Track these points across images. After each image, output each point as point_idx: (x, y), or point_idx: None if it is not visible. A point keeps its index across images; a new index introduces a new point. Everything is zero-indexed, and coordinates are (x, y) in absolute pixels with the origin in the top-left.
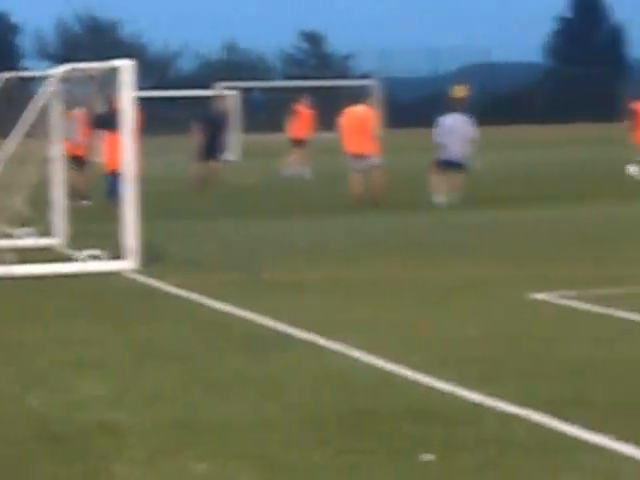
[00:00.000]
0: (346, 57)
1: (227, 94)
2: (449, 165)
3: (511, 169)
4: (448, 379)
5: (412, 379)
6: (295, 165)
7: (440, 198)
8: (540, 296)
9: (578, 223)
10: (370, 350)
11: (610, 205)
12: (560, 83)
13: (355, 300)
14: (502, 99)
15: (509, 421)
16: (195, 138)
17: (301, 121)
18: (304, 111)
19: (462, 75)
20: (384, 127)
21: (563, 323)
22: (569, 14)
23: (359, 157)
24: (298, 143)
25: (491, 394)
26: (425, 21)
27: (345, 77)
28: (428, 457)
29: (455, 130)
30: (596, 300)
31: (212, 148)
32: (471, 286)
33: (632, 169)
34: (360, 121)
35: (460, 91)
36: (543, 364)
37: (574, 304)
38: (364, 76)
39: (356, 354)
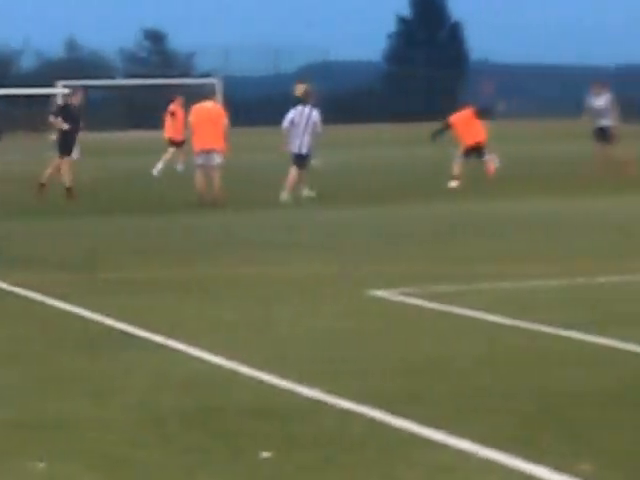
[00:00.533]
0: (189, 55)
1: (79, 91)
2: (300, 159)
3: (350, 167)
4: (288, 377)
5: (252, 377)
6: (170, 164)
7: (285, 195)
8: (380, 293)
9: (417, 221)
10: (210, 349)
11: (446, 203)
12: (399, 82)
13: (194, 299)
14: (340, 98)
15: (347, 418)
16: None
17: (177, 121)
18: (179, 111)
19: (302, 74)
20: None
21: (402, 320)
22: (409, 14)
23: (209, 153)
24: (175, 143)
25: (330, 391)
26: (267, 19)
27: (188, 75)
28: (267, 454)
29: (302, 124)
30: (435, 297)
31: (67, 145)
32: (311, 283)
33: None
34: (210, 117)
35: (301, 89)
36: (381, 361)
37: (413, 301)
38: (206, 74)
39: (196, 353)
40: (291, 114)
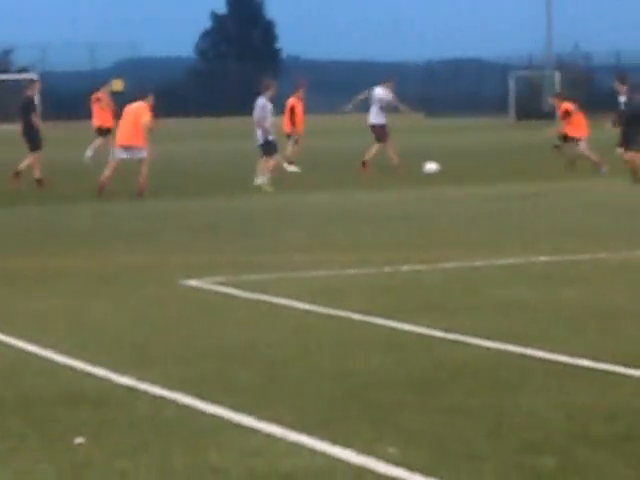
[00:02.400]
0: (6, 52)
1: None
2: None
3: (165, 161)
4: (100, 364)
5: (66, 365)
6: (99, 151)
7: None
8: (193, 283)
9: (233, 212)
10: (22, 337)
11: (261, 195)
12: (211, 78)
13: (8, 290)
14: (154, 93)
15: (159, 404)
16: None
17: (104, 109)
18: (105, 98)
19: (117, 69)
20: (45, 120)
21: (214, 308)
22: (224, 12)
23: (128, 149)
24: (102, 131)
25: (142, 378)
26: (84, 17)
27: (6, 71)
28: (81, 440)
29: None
30: (247, 286)
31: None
32: (124, 273)
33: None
34: (132, 114)
35: (118, 84)
36: (193, 348)
37: (226, 290)
38: (23, 70)
39: (8, 341)
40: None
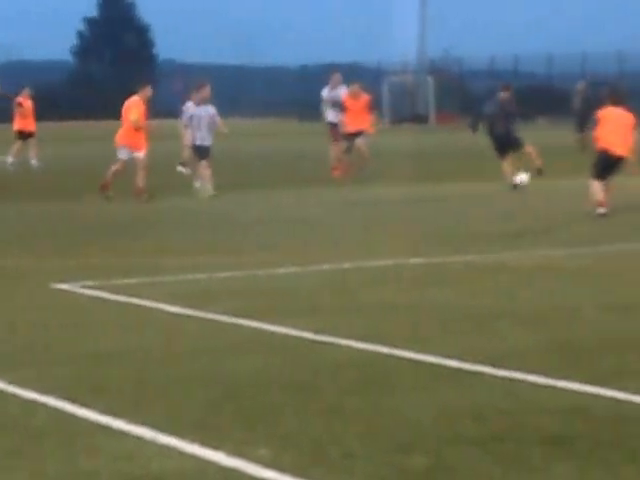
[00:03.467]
0: None
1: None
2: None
3: (45, 164)
4: None
5: None
6: (20, 156)
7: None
8: (63, 286)
9: (103, 216)
10: None
11: (133, 200)
12: (87, 81)
13: None
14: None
15: (31, 408)
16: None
17: (26, 113)
18: (27, 103)
19: None
20: None
21: (85, 312)
22: (98, 16)
23: (123, 148)
24: (24, 134)
25: (13, 382)
26: None
27: None
28: None
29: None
30: (118, 290)
31: None
32: None
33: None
34: (124, 110)
35: None
36: (62, 352)
37: (96, 294)
38: None
39: None
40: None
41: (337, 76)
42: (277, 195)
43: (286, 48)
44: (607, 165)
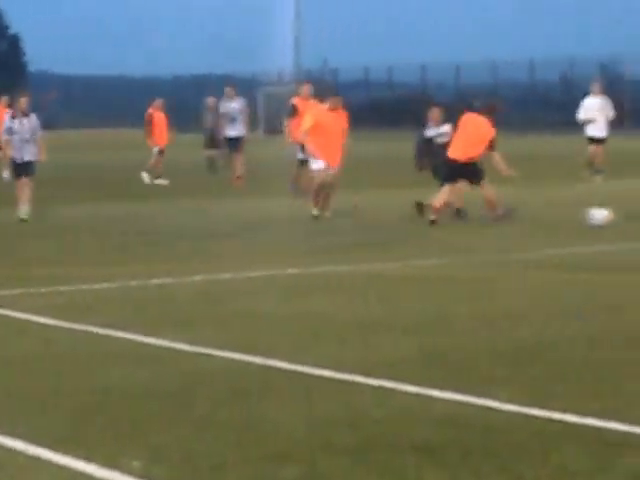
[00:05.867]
0: None
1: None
2: None
3: None
4: None
5: None
6: None
7: None
8: None
9: None
10: None
11: (9, 210)
12: None
13: None
14: None
15: None
16: None
17: None
18: None
19: None
20: None
21: None
22: None
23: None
24: None
25: None
26: None
27: None
28: None
29: None
30: None
31: None
32: None
33: (145, 175)
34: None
35: None
36: None
37: None
38: None
39: None
40: None
41: (229, 89)
42: (150, 206)
43: (159, 58)
44: (453, 171)
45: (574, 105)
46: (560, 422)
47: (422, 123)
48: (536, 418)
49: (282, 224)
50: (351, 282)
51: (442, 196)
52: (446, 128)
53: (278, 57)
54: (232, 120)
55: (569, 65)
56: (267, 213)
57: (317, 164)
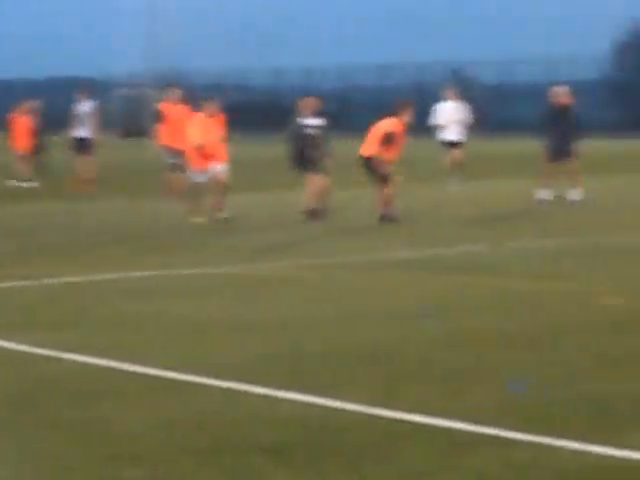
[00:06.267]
0: None
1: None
2: None
3: None
4: None
5: None
6: None
7: None
8: None
9: None
10: None
11: None
12: None
13: None
14: None
15: None
16: None
17: None
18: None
19: None
20: None
21: None
22: None
23: None
24: None
25: None
26: None
27: None
28: None
29: None
30: None
31: None
32: None
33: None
34: None
35: None
36: None
37: None
38: None
39: None
40: None
41: (81, 91)
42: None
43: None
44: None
45: (426, 110)
46: (407, 422)
47: (296, 115)
48: (382, 418)
49: (141, 226)
50: (208, 284)
51: (311, 190)
52: (320, 121)
53: (131, 60)
54: (81, 122)
55: (420, 70)
56: (124, 215)
57: (195, 172)
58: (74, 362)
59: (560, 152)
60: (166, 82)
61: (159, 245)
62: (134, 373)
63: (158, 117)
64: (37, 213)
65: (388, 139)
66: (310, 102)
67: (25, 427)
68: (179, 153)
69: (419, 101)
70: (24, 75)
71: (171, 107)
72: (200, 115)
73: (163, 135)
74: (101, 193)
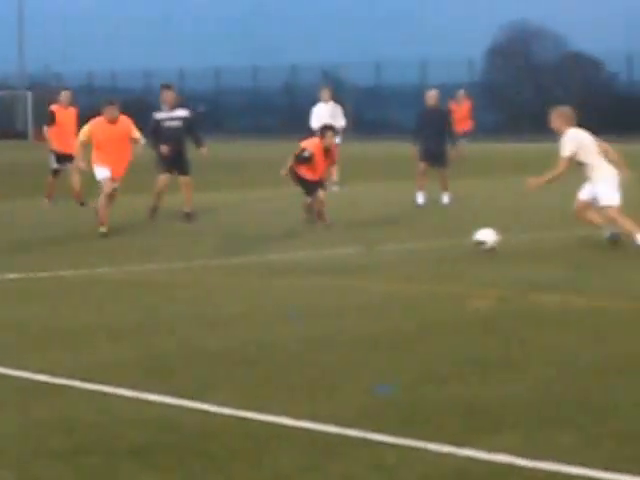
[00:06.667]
0: None
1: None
2: None
3: None
4: None
5: None
6: None
7: None
8: None
9: None
10: None
11: None
12: None
13: None
14: None
15: None
16: None
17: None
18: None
19: None
20: None
21: None
22: None
23: None
24: None
25: None
26: None
27: None
28: None
29: None
30: None
31: None
32: None
33: None
34: None
35: None
36: None
37: None
38: None
39: None
40: None
41: None
42: None
43: None
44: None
45: (297, 111)
46: (274, 425)
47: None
48: (250, 421)
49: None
50: (69, 286)
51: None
52: (181, 113)
53: (3, 61)
54: None
55: (292, 72)
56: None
57: (101, 174)
58: None
59: (432, 155)
60: (38, 83)
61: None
62: (3, 376)
63: (50, 120)
64: None
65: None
66: (169, 95)
67: None
68: (67, 157)
69: (291, 103)
70: None
71: (62, 110)
72: (98, 120)
73: (53, 138)
74: None
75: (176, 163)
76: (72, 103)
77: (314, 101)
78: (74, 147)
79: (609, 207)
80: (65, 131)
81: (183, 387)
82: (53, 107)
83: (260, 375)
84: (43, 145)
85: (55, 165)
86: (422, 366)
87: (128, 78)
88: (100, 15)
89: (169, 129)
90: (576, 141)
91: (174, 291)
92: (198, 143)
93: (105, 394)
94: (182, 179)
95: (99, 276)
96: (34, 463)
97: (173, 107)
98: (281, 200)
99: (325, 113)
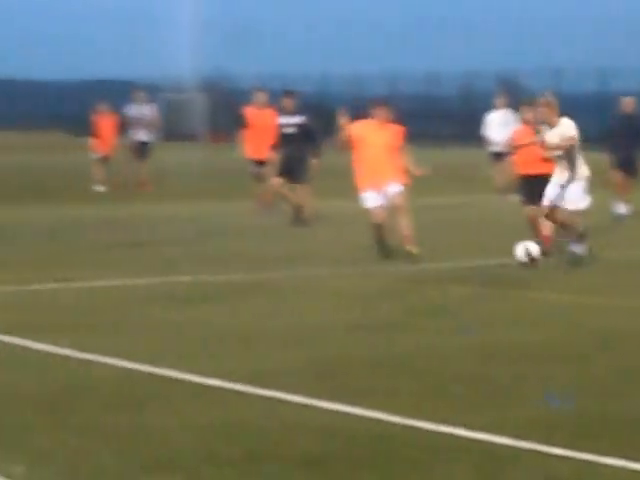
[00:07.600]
0: None
1: None
2: None
3: None
4: None
5: None
6: None
7: None
8: None
9: None
10: None
11: None
12: None
13: None
14: None
15: None
16: None
17: None
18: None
19: None
20: None
21: None
22: None
23: None
24: None
25: None
26: None
27: None
28: None
29: None
30: None
31: None
32: None
33: None
34: None
35: None
36: None
37: None
38: None
39: None
40: None
41: (142, 94)
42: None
43: (63, 61)
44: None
45: (474, 119)
46: (446, 435)
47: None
48: (422, 431)
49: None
50: (239, 292)
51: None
52: (297, 119)
53: (176, 63)
54: (142, 125)
55: (468, 79)
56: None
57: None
58: (112, 366)
59: (625, 163)
60: (212, 86)
61: (170, 250)
62: (175, 379)
63: (241, 123)
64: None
65: None
66: (288, 102)
67: (62, 429)
68: (262, 163)
69: (466, 110)
70: (55, 77)
71: (256, 111)
72: (366, 122)
73: (247, 144)
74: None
75: (291, 169)
76: (267, 104)
77: (490, 108)
78: (268, 152)
79: (575, 210)
80: (259, 135)
81: (349, 393)
82: (246, 109)
83: (429, 384)
84: (219, 147)
85: (255, 170)
86: (598, 380)
87: (301, 81)
88: (268, 18)
89: (285, 135)
90: (575, 130)
91: (333, 297)
92: (312, 152)
93: (275, 400)
94: (297, 187)
95: (265, 282)
96: (204, 469)
97: (292, 113)
98: (470, 207)
99: (496, 121)
